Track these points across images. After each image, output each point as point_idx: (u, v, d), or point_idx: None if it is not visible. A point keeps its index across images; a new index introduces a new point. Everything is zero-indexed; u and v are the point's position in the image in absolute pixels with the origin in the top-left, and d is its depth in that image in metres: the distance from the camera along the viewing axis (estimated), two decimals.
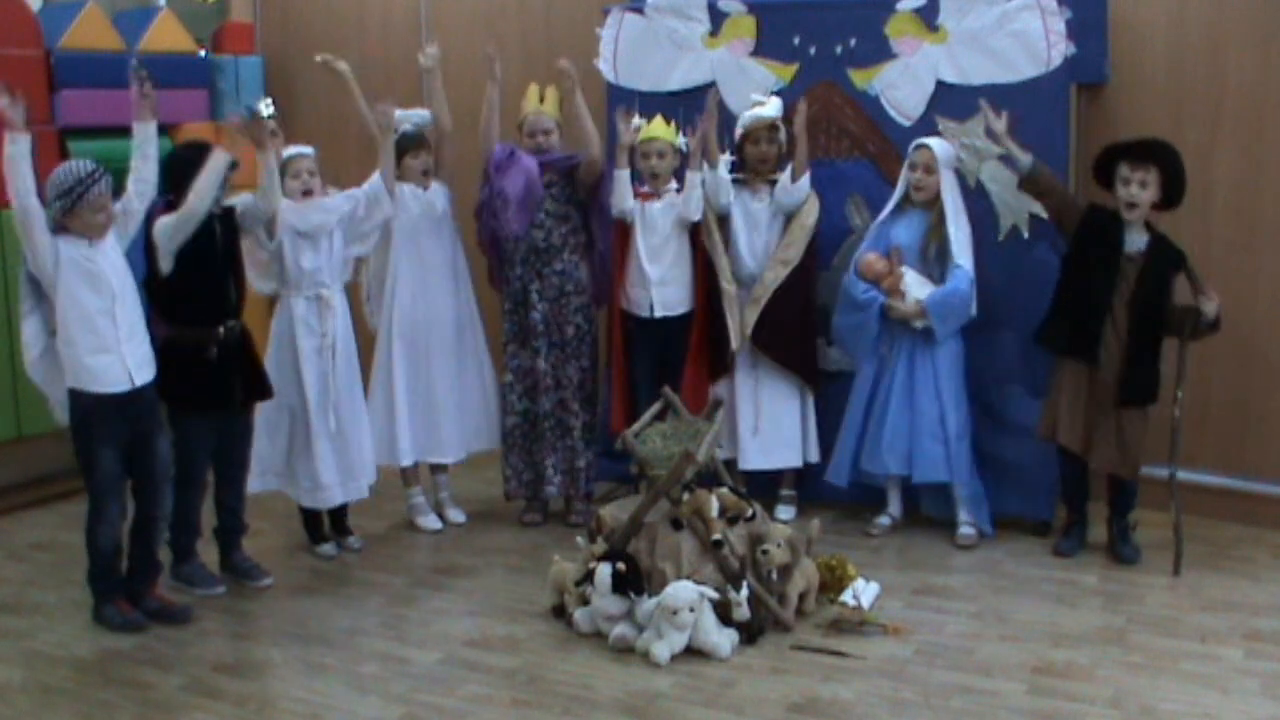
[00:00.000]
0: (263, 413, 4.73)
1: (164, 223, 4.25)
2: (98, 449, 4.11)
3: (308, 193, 4.75)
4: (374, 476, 4.97)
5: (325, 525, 4.97)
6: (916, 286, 4.85)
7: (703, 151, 4.98)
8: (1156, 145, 4.54)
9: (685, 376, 5.12)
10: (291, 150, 4.78)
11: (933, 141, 4.89)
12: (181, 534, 4.54)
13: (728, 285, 5.06)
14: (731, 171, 5.21)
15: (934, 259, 4.89)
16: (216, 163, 4.25)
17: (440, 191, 5.14)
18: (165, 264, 4.29)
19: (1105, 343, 4.58)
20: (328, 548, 4.93)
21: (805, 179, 5.00)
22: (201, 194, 4.23)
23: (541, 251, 5.10)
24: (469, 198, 5.25)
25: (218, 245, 4.40)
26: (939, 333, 4.82)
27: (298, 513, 4.95)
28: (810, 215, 5.05)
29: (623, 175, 5.07)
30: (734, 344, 5.04)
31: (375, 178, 4.85)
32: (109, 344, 4.08)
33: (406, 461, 5.16)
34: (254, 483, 4.79)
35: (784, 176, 5.02)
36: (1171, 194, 4.55)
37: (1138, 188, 4.52)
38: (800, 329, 5.14)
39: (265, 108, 4.51)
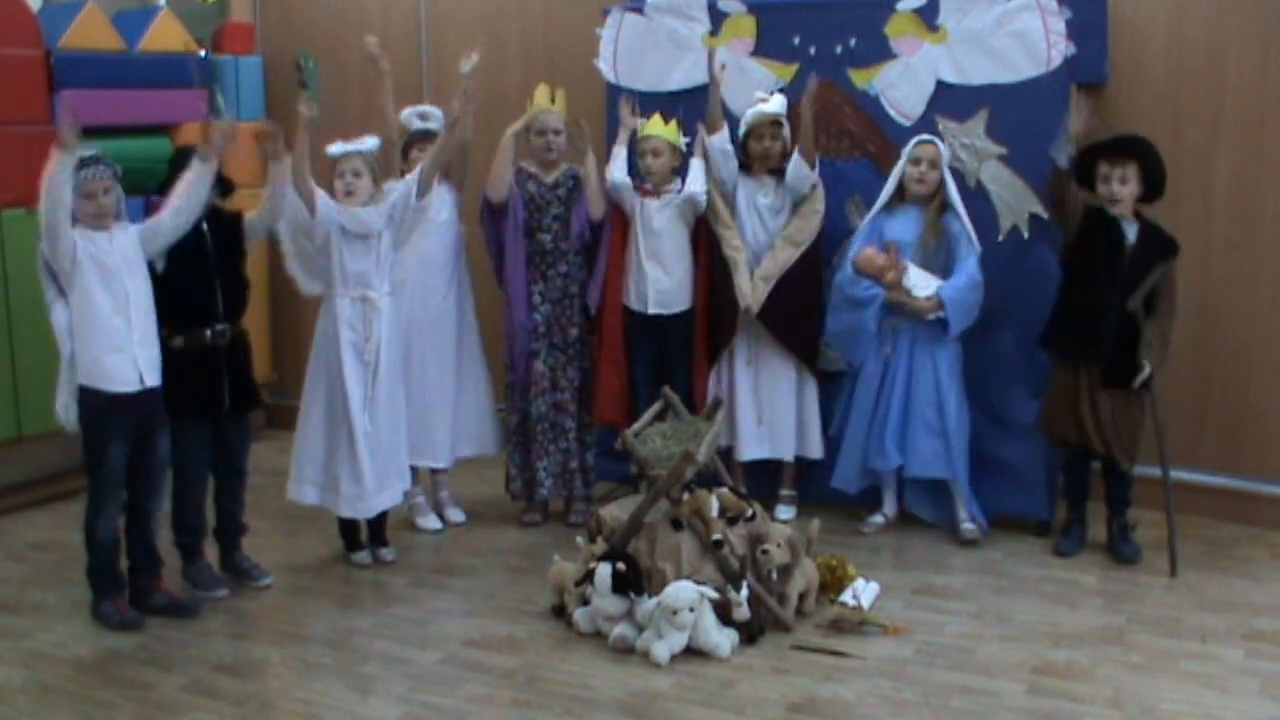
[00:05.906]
0: (306, 418, 4.68)
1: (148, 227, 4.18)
2: (110, 444, 4.12)
3: (350, 194, 4.59)
4: (409, 484, 4.91)
5: (363, 533, 4.85)
6: (920, 281, 4.84)
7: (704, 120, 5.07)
8: (1133, 140, 4.58)
9: (690, 374, 5.11)
10: (345, 147, 4.62)
11: (935, 138, 4.91)
12: (183, 535, 4.53)
13: (734, 252, 5.04)
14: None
15: (933, 253, 4.89)
16: (197, 186, 4.18)
17: (447, 195, 5.10)
18: (157, 264, 4.27)
19: (1106, 341, 4.58)
20: (362, 555, 4.82)
21: (815, 163, 4.99)
22: (180, 211, 4.18)
23: (547, 254, 5.09)
24: (472, 200, 5.24)
25: (207, 247, 4.35)
26: (954, 326, 4.81)
27: (301, 511, 4.91)
28: (820, 201, 5.04)
29: (620, 151, 5.16)
30: (742, 302, 4.99)
31: (414, 172, 4.74)
32: (122, 344, 4.08)
33: None
34: (294, 491, 4.72)
35: (795, 157, 4.97)
36: (1152, 186, 4.58)
37: (1119, 184, 4.55)
38: (805, 311, 5.11)
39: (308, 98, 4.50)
